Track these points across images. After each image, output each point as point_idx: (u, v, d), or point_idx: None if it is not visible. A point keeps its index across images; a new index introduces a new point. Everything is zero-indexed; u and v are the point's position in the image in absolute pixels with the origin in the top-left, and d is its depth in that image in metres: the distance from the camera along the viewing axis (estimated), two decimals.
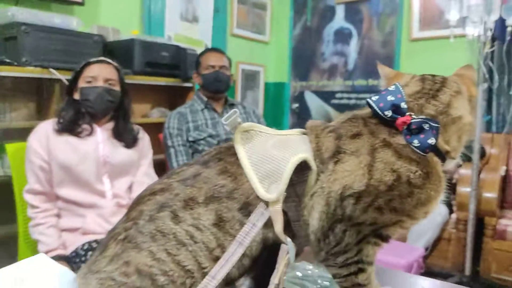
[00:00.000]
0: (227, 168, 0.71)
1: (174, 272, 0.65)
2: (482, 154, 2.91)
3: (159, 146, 2.33)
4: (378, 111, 0.68)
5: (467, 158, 2.80)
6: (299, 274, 0.91)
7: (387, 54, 3.79)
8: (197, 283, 0.63)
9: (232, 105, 2.46)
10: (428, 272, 2.68)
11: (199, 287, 0.61)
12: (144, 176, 1.85)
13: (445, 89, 0.72)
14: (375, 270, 0.74)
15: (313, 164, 0.68)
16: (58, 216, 1.69)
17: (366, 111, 0.73)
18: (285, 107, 4.41)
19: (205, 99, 2.37)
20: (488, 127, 3.33)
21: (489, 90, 3.24)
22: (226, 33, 3.75)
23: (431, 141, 0.66)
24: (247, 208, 0.67)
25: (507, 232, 2.66)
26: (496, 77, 3.10)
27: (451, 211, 2.87)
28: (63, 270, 0.77)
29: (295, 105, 4.34)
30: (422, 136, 0.66)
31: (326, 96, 4.14)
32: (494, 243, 2.69)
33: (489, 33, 2.58)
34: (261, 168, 0.68)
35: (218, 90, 2.37)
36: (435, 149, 0.68)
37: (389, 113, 0.68)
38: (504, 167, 2.98)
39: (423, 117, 0.67)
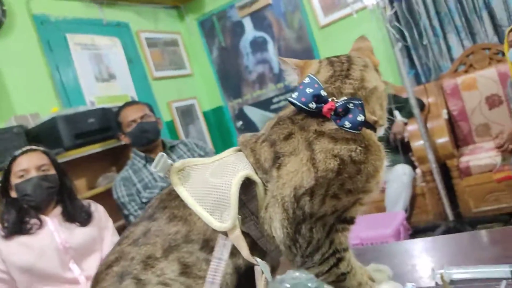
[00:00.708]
0: (174, 213, 0.69)
1: None
2: (422, 106, 3.04)
3: (117, 212, 2.24)
4: (302, 106, 0.69)
5: (410, 115, 2.91)
6: (287, 285, 0.89)
7: (305, 47, 3.91)
8: None
9: (172, 147, 2.39)
10: (416, 231, 2.73)
11: None
12: (111, 247, 1.77)
13: (354, 66, 0.74)
14: (361, 253, 0.74)
15: (256, 178, 0.68)
16: None
17: (290, 109, 0.73)
18: (230, 128, 4.41)
19: (142, 154, 2.30)
20: (417, 80, 3.49)
21: (406, 48, 3.41)
22: (147, 79, 3.72)
23: (360, 118, 0.67)
24: (208, 245, 0.66)
25: (471, 167, 2.78)
26: (406, 33, 3.28)
27: (414, 168, 2.96)
28: None
29: (239, 123, 4.36)
30: (350, 116, 0.67)
31: (264, 104, 4.19)
32: (463, 182, 2.79)
33: None
34: (207, 200, 0.66)
35: (148, 141, 2.28)
36: (365, 123, 0.69)
37: (313, 105, 0.68)
38: (445, 111, 3.13)
39: (345, 98, 0.69)
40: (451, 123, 3.19)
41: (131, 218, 2.17)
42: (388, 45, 2.80)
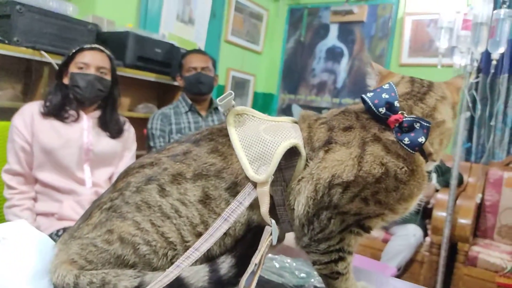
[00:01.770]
0: (217, 148, 0.71)
1: (157, 242, 0.65)
2: (460, 181, 2.97)
3: (143, 141, 2.30)
4: (373, 107, 0.70)
5: (445, 184, 2.86)
6: (277, 265, 0.91)
7: None
8: (179, 256, 0.63)
9: (216, 109, 2.45)
10: None
11: (182, 257, 0.61)
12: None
13: (431, 93, 0.75)
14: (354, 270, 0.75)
15: (302, 151, 0.69)
16: (35, 199, 1.65)
17: (359, 106, 0.75)
18: None
19: (189, 101, 2.36)
20: (467, 157, 3.41)
21: (471, 119, 3.33)
22: (220, 39, 3.77)
23: (421, 139, 0.68)
24: (234, 188, 0.68)
25: (479, 259, 2.71)
26: (478, 107, 3.20)
27: (425, 234, 2.91)
28: (43, 236, 0.75)
29: None
30: (412, 134, 0.68)
31: (313, 111, 4.17)
32: (465, 269, 2.73)
33: (475, 64, 2.66)
34: (252, 150, 0.69)
35: (200, 91, 2.34)
36: (421, 149, 0.70)
37: (383, 110, 0.70)
38: (480, 195, 3.05)
39: (415, 116, 0.69)
40: (479, 210, 3.11)
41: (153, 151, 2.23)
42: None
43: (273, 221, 0.66)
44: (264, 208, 0.66)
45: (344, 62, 4.06)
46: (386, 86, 0.72)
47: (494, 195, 3.13)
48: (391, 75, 0.81)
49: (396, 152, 0.67)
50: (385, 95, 0.70)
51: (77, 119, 1.70)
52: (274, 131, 0.70)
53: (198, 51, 2.52)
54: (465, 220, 2.78)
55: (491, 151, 3.35)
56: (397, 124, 0.69)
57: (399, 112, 0.70)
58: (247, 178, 0.67)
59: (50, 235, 1.57)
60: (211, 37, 3.60)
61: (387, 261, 2.76)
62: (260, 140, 0.69)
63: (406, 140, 0.68)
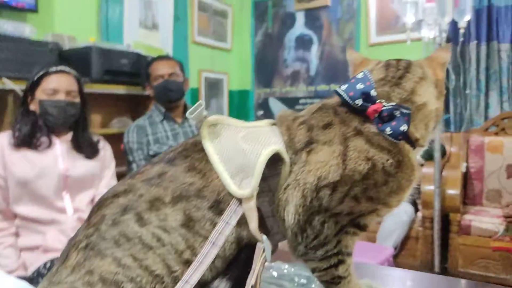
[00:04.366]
0: (194, 165, 0.66)
1: (142, 277, 0.60)
2: (443, 152, 3.00)
3: (121, 157, 2.23)
4: (349, 100, 0.67)
5: (428, 157, 2.88)
6: (275, 274, 0.88)
7: (347, 59, 3.85)
8: None
9: None
10: None
11: None
12: (107, 188, 1.75)
13: (408, 75, 0.70)
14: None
15: (286, 156, 0.65)
16: (16, 235, 1.59)
17: (335, 100, 0.71)
18: (250, 114, 4.39)
19: (163, 110, 2.29)
20: (446, 127, 3.44)
21: (447, 91, 3.36)
22: (187, 41, 3.69)
23: (404, 127, 0.65)
24: (218, 206, 0.63)
25: (472, 227, 2.74)
26: (452, 77, 3.23)
27: (416, 210, 2.93)
28: (21, 284, 0.69)
29: (260, 113, 4.34)
30: (393, 123, 0.65)
31: (290, 102, 4.16)
32: (459, 239, 2.76)
33: (444, 35, 2.67)
34: (232, 163, 0.64)
35: (170, 99, 2.27)
36: (406, 137, 0.67)
37: (359, 102, 0.66)
38: (465, 164, 3.09)
39: (394, 103, 0.66)
40: (465, 179, 3.15)
41: (134, 166, 2.17)
42: None
43: (265, 236, 0.62)
44: (253, 224, 0.62)
45: (315, 49, 4.04)
46: (360, 76, 0.68)
47: (477, 162, 3.17)
48: (364, 62, 0.77)
49: (380, 144, 0.64)
50: (360, 86, 0.67)
51: (49, 145, 1.63)
52: (253, 139, 0.66)
53: (162, 58, 2.45)
54: (453, 191, 2.81)
55: (469, 119, 3.39)
56: (376, 115, 0.66)
57: (378, 101, 0.66)
58: (230, 194, 0.63)
59: (38, 269, 1.51)
60: (178, 40, 3.52)
61: (383, 241, 2.77)
62: (239, 151, 0.64)
63: (388, 130, 0.65)
